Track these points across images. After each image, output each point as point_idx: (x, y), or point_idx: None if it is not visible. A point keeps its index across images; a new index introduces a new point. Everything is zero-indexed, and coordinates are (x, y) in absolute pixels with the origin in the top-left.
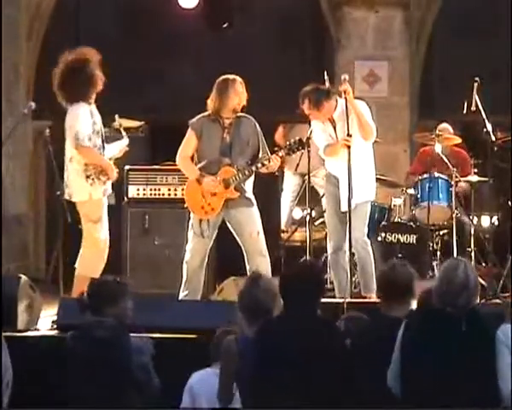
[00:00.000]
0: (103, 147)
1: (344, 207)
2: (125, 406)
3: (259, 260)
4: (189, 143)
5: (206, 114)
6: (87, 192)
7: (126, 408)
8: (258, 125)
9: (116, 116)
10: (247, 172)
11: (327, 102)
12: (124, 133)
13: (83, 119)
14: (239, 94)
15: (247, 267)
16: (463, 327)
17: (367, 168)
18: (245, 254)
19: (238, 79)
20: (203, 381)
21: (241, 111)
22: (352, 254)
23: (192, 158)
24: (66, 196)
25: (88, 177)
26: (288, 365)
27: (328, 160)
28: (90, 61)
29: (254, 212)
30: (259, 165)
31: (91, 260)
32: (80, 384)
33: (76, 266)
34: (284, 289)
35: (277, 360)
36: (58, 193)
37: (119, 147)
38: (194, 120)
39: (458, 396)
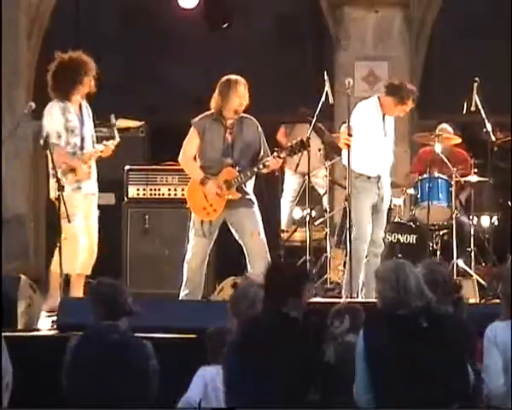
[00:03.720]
0: (82, 146)
1: (387, 202)
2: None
3: (261, 260)
4: (191, 142)
5: (208, 113)
6: (54, 190)
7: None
8: (260, 127)
9: (112, 116)
10: (248, 174)
11: None
12: (116, 132)
13: (51, 116)
14: (240, 96)
15: (248, 267)
16: (423, 323)
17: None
18: (246, 255)
19: (241, 80)
20: (213, 378)
21: (244, 112)
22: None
23: (194, 157)
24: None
25: (53, 175)
26: (259, 362)
27: (364, 162)
28: (79, 64)
29: (255, 212)
30: (261, 166)
31: (65, 256)
32: (90, 388)
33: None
34: (264, 287)
35: (250, 359)
36: (58, 193)
37: (105, 144)
38: (196, 119)
39: (432, 395)
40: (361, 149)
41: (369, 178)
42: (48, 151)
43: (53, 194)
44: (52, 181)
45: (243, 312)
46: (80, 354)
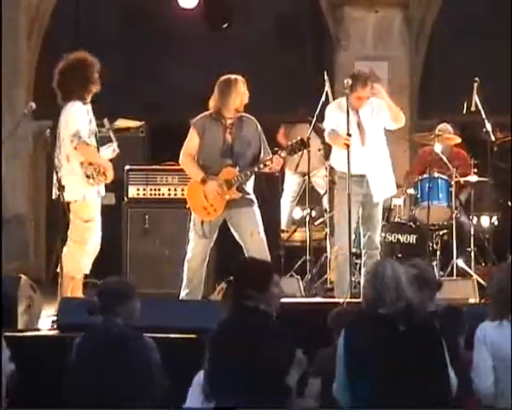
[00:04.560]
0: (98, 148)
1: (376, 199)
2: (145, 405)
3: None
4: (191, 142)
5: (208, 113)
6: (81, 192)
7: (145, 408)
8: (259, 126)
9: (105, 120)
10: (248, 173)
11: None
12: (113, 137)
13: (82, 117)
14: (240, 94)
15: None
16: (401, 327)
17: (389, 164)
18: (246, 254)
19: (240, 78)
20: None
21: (244, 111)
22: (351, 254)
23: (194, 157)
24: (54, 196)
25: (88, 176)
26: (235, 359)
27: (346, 161)
28: (89, 64)
29: (255, 211)
30: (261, 165)
31: (79, 259)
32: (94, 385)
33: (63, 265)
34: (234, 284)
35: (226, 355)
36: (58, 193)
37: (112, 150)
38: (196, 118)
39: (409, 398)
40: (336, 148)
41: (351, 175)
42: (82, 152)
43: (79, 196)
44: (77, 182)
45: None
46: (83, 351)
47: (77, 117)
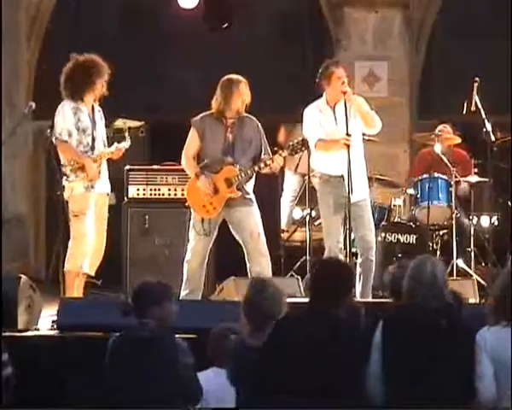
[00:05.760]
0: (93, 146)
1: (355, 198)
2: (176, 405)
3: (260, 259)
4: (191, 142)
5: (208, 112)
6: (69, 188)
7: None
8: (260, 126)
9: (120, 120)
10: (249, 172)
11: None
12: (127, 136)
13: (62, 115)
14: (243, 95)
15: (248, 267)
16: (443, 322)
17: (364, 166)
18: (246, 254)
19: (242, 79)
20: (210, 380)
21: (245, 111)
22: (352, 255)
23: (196, 156)
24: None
25: (64, 174)
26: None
27: (326, 162)
28: (92, 66)
29: (255, 211)
30: (262, 165)
31: (75, 254)
32: (124, 386)
33: (65, 261)
34: (313, 286)
35: (290, 360)
36: (58, 193)
37: (117, 146)
38: (196, 118)
39: (442, 393)
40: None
41: (330, 177)
42: (58, 149)
43: (67, 194)
44: (64, 180)
45: (264, 312)
46: (115, 350)
47: (57, 115)
